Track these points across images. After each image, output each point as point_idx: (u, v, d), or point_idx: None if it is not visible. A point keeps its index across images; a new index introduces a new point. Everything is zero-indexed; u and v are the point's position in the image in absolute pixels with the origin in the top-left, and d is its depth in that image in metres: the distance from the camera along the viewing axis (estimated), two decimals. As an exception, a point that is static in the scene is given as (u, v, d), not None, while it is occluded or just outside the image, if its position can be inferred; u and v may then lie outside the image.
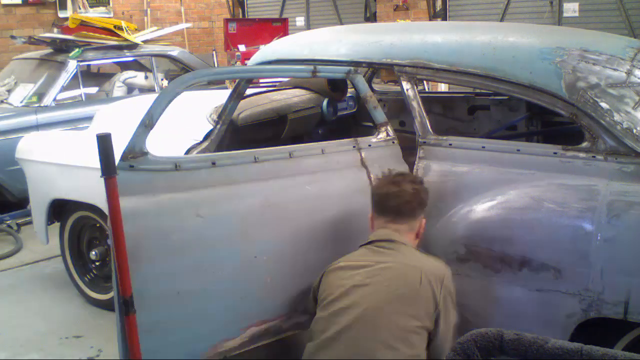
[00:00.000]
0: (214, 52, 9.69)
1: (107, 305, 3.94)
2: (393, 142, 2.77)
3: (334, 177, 2.70)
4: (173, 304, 2.34)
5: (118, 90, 6.84)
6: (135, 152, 2.27)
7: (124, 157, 2.26)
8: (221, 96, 3.86)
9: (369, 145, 2.82)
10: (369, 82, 4.49)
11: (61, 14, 10.69)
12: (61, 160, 3.77)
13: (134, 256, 2.20)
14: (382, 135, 2.79)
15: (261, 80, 5.33)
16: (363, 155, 2.78)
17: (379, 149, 2.80)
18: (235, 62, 8.25)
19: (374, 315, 2.13)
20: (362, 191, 2.66)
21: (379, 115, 2.81)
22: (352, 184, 2.70)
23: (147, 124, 2.32)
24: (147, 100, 4.83)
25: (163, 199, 2.29)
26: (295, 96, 4.09)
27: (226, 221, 2.41)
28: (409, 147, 2.90)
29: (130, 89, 6.93)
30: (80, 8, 10.78)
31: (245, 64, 6.25)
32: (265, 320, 2.53)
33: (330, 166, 2.70)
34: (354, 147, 2.80)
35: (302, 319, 2.61)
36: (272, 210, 2.50)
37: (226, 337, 2.48)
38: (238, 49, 8.53)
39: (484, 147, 2.65)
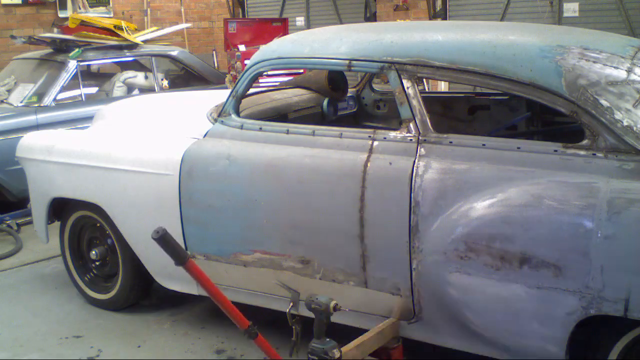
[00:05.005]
0: (214, 52, 9.69)
1: (107, 305, 3.94)
2: (410, 140, 2.77)
3: (334, 156, 2.91)
4: (207, 212, 3.23)
5: (118, 90, 6.84)
6: (225, 113, 3.31)
7: (219, 114, 3.36)
8: (221, 95, 3.86)
9: (384, 138, 2.84)
10: (369, 82, 4.50)
11: (61, 14, 10.71)
12: (62, 159, 3.77)
13: (189, 174, 3.26)
14: (404, 131, 2.80)
15: (261, 80, 5.34)
16: (374, 145, 2.84)
17: (391, 143, 2.81)
18: (236, 62, 8.25)
19: None
20: (349, 175, 2.83)
21: (404, 111, 2.81)
22: (344, 165, 2.87)
23: (234, 95, 3.32)
24: (146, 100, 4.85)
25: (225, 143, 3.24)
26: (296, 96, 4.10)
27: (240, 167, 3.13)
28: None
29: (130, 89, 6.93)
30: (80, 8, 10.79)
31: (245, 64, 6.26)
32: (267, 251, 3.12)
33: (339, 147, 2.92)
34: (369, 136, 2.88)
35: (298, 265, 3.01)
36: (273, 169, 3.04)
37: (241, 251, 3.18)
38: (238, 49, 8.52)
39: (484, 144, 2.65)
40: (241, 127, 3.26)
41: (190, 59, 7.33)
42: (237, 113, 3.34)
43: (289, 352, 3.18)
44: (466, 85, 2.90)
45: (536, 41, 2.81)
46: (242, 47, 8.53)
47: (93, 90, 6.90)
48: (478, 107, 4.08)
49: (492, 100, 4.01)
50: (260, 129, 3.20)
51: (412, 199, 2.68)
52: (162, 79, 7.02)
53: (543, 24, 7.38)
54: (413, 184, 2.68)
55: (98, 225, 3.89)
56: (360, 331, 3.04)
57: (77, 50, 6.33)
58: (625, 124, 2.41)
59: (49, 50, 6.66)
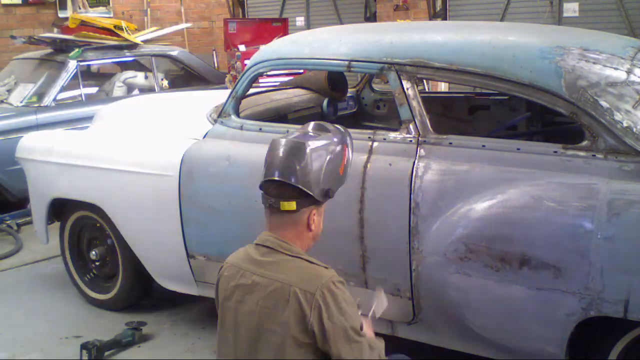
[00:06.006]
0: (214, 52, 9.67)
1: (107, 305, 3.94)
2: (410, 141, 2.77)
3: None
4: (207, 213, 3.22)
5: (118, 90, 6.84)
6: (225, 114, 3.31)
7: (219, 115, 3.37)
8: (221, 96, 3.86)
9: (384, 139, 2.84)
10: (369, 82, 4.50)
11: (61, 14, 10.69)
12: (61, 160, 3.77)
13: (189, 175, 3.26)
14: (403, 132, 2.80)
15: (261, 80, 5.32)
16: (373, 146, 2.83)
17: (391, 144, 2.81)
18: (236, 62, 8.25)
19: (252, 338, 2.06)
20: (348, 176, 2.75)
21: (404, 112, 2.81)
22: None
23: (234, 95, 3.31)
24: (146, 100, 4.85)
25: (225, 144, 3.25)
26: (296, 96, 4.10)
27: (240, 167, 3.12)
28: None
29: (130, 89, 6.93)
30: (80, 8, 10.78)
31: (245, 64, 6.26)
32: None
33: None
34: (369, 137, 2.87)
35: None
36: None
37: None
38: (238, 49, 8.52)
39: (484, 145, 2.65)
40: (241, 128, 3.26)
41: (190, 59, 7.33)
42: (237, 114, 3.34)
43: None
44: (466, 85, 2.90)
45: (536, 42, 2.81)
46: (242, 47, 8.52)
47: (93, 90, 6.90)
48: (478, 107, 4.08)
49: (492, 101, 4.01)
50: (260, 129, 3.20)
51: (411, 200, 2.68)
52: (162, 79, 7.02)
53: (543, 24, 7.37)
54: (413, 185, 2.68)
55: (98, 225, 3.89)
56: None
57: (77, 50, 6.33)
58: (625, 125, 2.41)
59: (49, 50, 6.66)
